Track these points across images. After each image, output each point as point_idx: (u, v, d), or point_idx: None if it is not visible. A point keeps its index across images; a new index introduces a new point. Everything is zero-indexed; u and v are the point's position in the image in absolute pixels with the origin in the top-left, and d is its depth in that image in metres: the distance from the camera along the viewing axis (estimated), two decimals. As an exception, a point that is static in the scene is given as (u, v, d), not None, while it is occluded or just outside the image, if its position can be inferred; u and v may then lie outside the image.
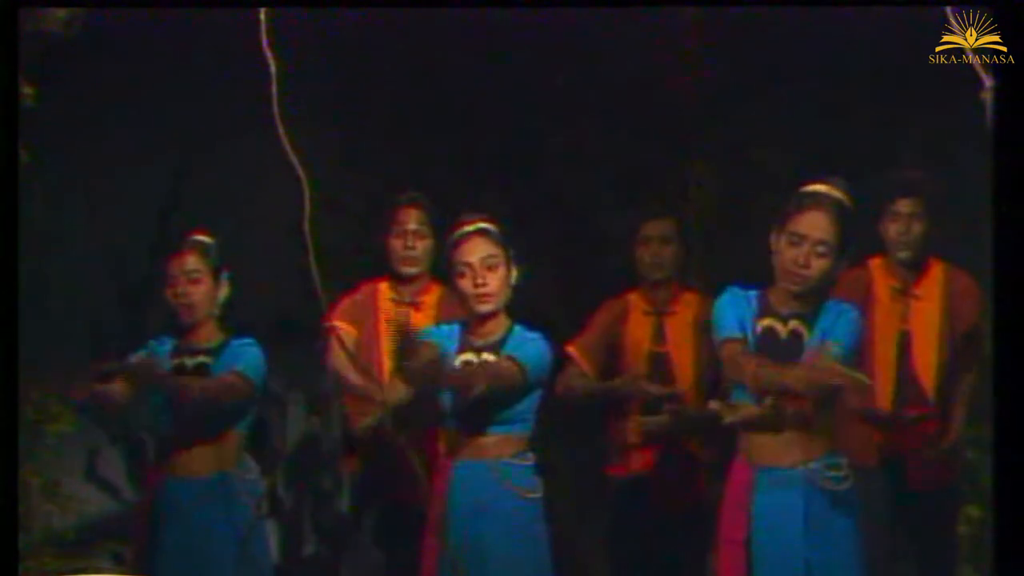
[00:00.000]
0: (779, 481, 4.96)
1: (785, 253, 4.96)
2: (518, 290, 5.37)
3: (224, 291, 5.68)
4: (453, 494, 5.27)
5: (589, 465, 6.65)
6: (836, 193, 4.98)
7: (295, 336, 6.97)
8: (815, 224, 4.94)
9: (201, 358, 5.65)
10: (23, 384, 5.00)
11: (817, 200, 4.97)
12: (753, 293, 5.07)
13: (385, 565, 6.23)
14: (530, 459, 5.28)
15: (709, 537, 5.96)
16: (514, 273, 5.32)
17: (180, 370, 5.65)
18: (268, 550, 5.89)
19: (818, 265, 4.94)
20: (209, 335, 5.68)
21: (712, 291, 5.90)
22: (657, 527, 6.10)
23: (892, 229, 5.90)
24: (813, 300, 5.02)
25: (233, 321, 5.71)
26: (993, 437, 4.53)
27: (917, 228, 5.89)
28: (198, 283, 5.65)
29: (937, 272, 5.96)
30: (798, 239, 4.95)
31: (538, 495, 5.27)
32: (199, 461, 5.58)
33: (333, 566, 7.84)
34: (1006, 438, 4.47)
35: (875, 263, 6.01)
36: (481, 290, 5.27)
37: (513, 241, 5.36)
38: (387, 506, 6.10)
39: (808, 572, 4.92)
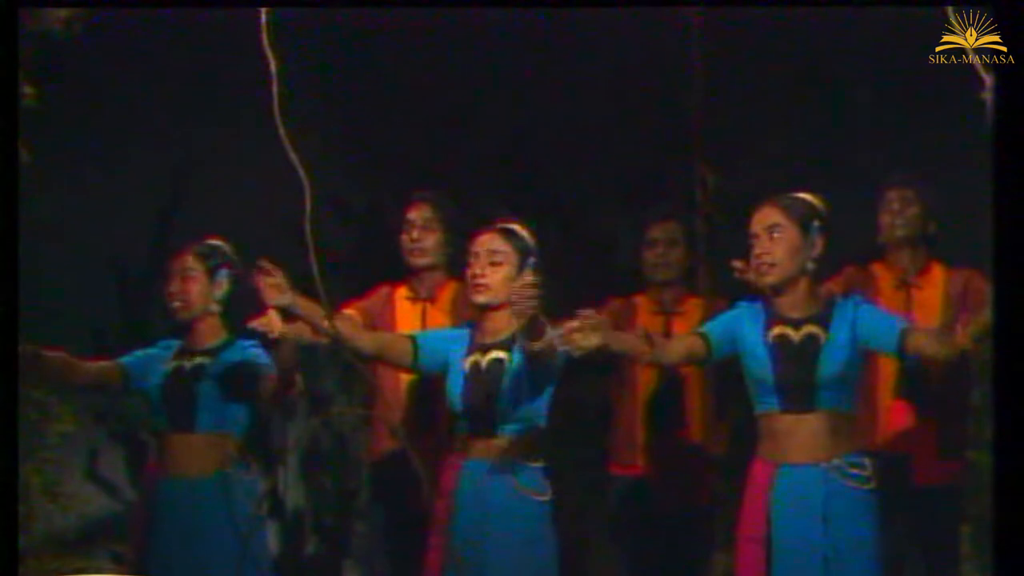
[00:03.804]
0: (799, 478, 4.98)
1: (752, 257, 5.05)
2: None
3: (223, 289, 5.68)
4: (461, 494, 5.25)
5: (594, 464, 6.66)
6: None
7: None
8: (762, 216, 5.05)
9: (199, 359, 5.66)
10: (23, 384, 5.01)
11: (758, 201, 5.09)
12: (759, 305, 5.13)
13: (388, 565, 6.23)
14: (540, 461, 5.24)
15: (717, 536, 5.97)
16: (527, 279, 5.27)
17: (178, 373, 5.66)
18: (268, 550, 5.87)
19: (779, 247, 5.01)
20: (210, 335, 5.68)
21: (718, 296, 5.94)
22: (663, 527, 6.11)
23: (886, 216, 5.97)
24: (817, 302, 5.06)
25: (238, 320, 5.70)
26: (993, 437, 4.52)
27: (911, 210, 5.95)
28: (192, 281, 5.66)
29: (938, 271, 6.00)
30: (754, 237, 5.04)
31: (547, 498, 5.23)
32: (196, 461, 5.59)
33: (333, 566, 7.85)
34: (1006, 438, 4.47)
35: (877, 265, 6.04)
36: (478, 280, 5.27)
37: (536, 251, 5.33)
38: (390, 506, 6.10)
39: (826, 570, 4.93)
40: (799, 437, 5.00)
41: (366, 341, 5.41)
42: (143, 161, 7.70)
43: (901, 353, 5.04)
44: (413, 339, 5.41)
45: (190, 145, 7.74)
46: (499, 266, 5.27)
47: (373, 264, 6.34)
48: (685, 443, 6.20)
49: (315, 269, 5.23)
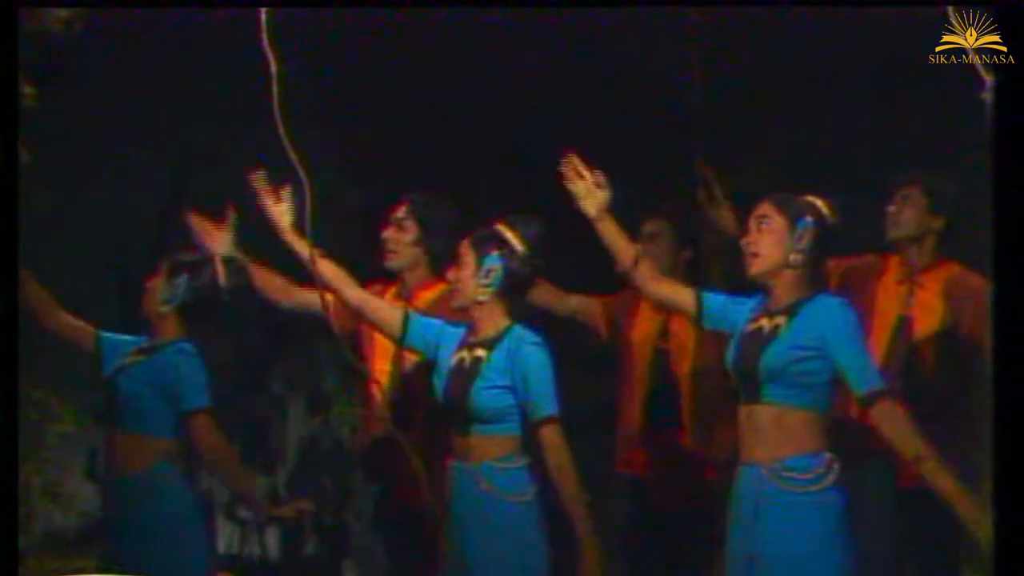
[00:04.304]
0: (743, 476, 4.99)
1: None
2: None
3: (174, 291, 5.66)
4: (450, 496, 5.25)
5: (594, 464, 6.65)
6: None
7: (295, 337, 6.97)
8: (756, 210, 5.08)
9: (138, 358, 5.66)
10: (23, 384, 5.01)
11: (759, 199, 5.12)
12: (757, 299, 5.13)
13: (387, 565, 6.24)
14: (518, 461, 5.18)
15: (717, 536, 5.98)
16: (490, 276, 5.25)
17: (120, 369, 5.66)
18: (203, 546, 5.76)
19: (764, 238, 5.02)
20: (163, 333, 5.67)
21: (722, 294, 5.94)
22: (663, 527, 6.12)
23: (888, 214, 5.97)
24: (799, 292, 5.02)
25: (193, 322, 5.68)
26: (993, 437, 4.52)
27: (908, 212, 5.96)
28: (156, 279, 5.69)
29: (948, 270, 5.98)
30: (747, 230, 5.08)
31: (528, 498, 5.15)
32: (125, 459, 5.57)
33: (333, 566, 7.85)
34: (1006, 438, 4.47)
35: (891, 258, 6.04)
36: (452, 284, 5.31)
37: (512, 248, 5.32)
38: (389, 506, 6.10)
39: (750, 566, 4.91)
40: (750, 433, 4.98)
41: (353, 293, 5.42)
42: (143, 161, 7.70)
43: (863, 403, 4.96)
44: (406, 314, 5.41)
45: (190, 145, 7.74)
46: (461, 268, 5.29)
47: (372, 264, 6.32)
48: (685, 443, 6.20)
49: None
